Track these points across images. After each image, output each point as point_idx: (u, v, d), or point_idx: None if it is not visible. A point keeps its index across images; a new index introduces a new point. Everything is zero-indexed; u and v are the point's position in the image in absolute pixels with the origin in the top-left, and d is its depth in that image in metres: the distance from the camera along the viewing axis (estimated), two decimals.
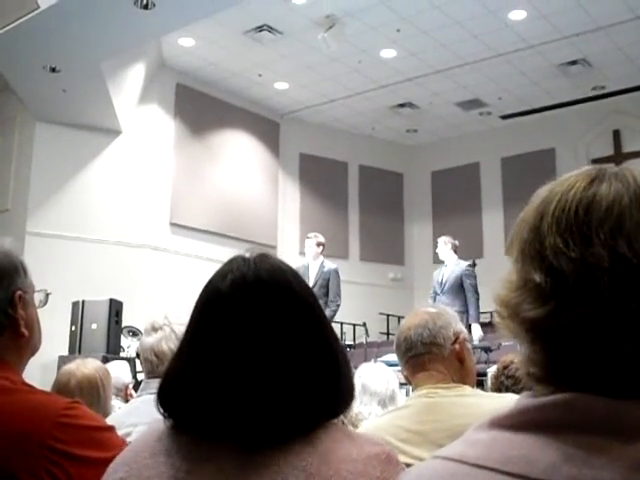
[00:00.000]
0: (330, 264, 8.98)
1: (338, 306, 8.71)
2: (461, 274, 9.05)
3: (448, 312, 2.47)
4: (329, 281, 8.73)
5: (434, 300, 9.09)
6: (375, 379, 4.00)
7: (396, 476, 1.13)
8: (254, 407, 1.14)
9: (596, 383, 0.76)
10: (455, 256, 9.34)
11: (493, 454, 0.77)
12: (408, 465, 1.14)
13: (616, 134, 13.27)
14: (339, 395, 1.22)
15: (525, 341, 0.82)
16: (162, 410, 1.23)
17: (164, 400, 1.23)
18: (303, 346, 1.18)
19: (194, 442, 1.19)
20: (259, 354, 1.16)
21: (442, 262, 9.52)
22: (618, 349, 0.75)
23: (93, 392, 3.04)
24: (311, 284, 8.53)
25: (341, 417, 3.07)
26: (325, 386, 1.18)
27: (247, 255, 1.25)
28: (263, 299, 1.20)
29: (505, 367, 3.49)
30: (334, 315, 8.62)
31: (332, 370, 1.21)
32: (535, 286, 0.80)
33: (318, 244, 8.86)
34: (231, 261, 1.26)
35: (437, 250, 9.59)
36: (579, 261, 0.77)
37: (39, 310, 1.77)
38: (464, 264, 9.22)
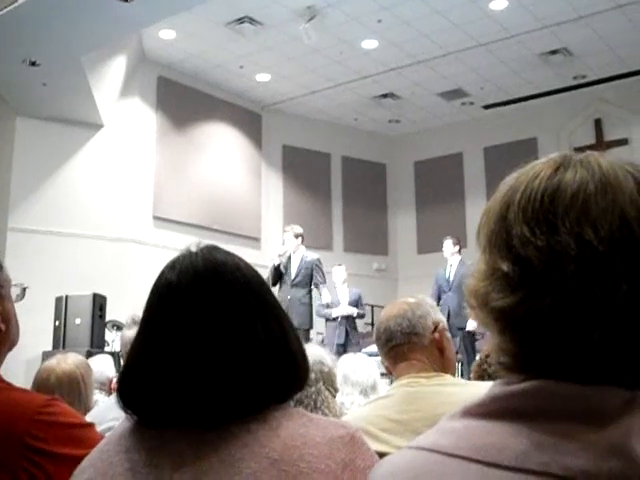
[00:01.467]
0: (312, 254, 9.05)
1: (324, 285, 8.94)
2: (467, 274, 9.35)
3: (427, 302, 2.48)
4: (312, 271, 8.78)
5: (437, 298, 9.27)
6: (356, 369, 4.02)
7: (362, 457, 1.14)
8: (204, 391, 1.15)
9: (566, 370, 0.76)
10: (459, 256, 9.64)
11: (465, 443, 0.77)
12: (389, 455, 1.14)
13: (597, 123, 13.33)
14: (288, 377, 1.23)
15: (495, 330, 0.82)
16: (122, 405, 1.23)
17: (124, 394, 1.24)
18: (245, 332, 1.19)
19: (156, 435, 1.19)
20: (204, 341, 1.17)
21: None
22: (586, 336, 0.75)
23: (74, 388, 3.02)
24: (293, 275, 8.57)
25: (324, 410, 3.06)
26: (272, 368, 1.20)
27: (194, 248, 1.28)
28: (208, 288, 1.21)
29: (487, 355, 3.50)
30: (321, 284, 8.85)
31: (278, 354, 1.21)
32: (503, 275, 0.80)
33: (296, 235, 8.96)
34: (181, 254, 1.28)
35: (443, 249, 9.81)
36: (546, 249, 0.77)
37: (21, 305, 1.76)
38: (469, 264, 9.39)
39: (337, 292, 9.69)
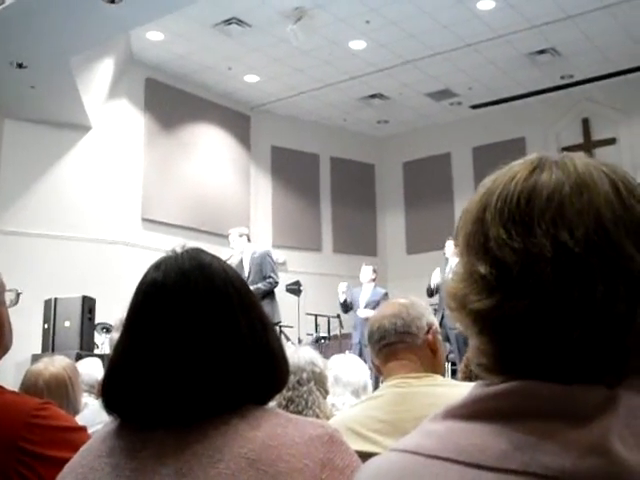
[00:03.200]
0: (260, 248, 9.08)
1: (272, 283, 8.64)
2: None
3: (421, 303, 2.49)
4: (262, 265, 8.73)
5: (431, 296, 9.39)
6: (347, 370, 4.02)
7: (340, 456, 1.15)
8: (188, 388, 1.17)
9: (545, 371, 0.77)
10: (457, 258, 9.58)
11: (447, 444, 0.77)
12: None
13: (585, 122, 13.37)
14: (268, 376, 1.24)
15: (473, 332, 0.82)
16: (105, 405, 1.24)
17: (108, 395, 1.25)
18: (229, 331, 1.21)
19: (138, 437, 1.20)
20: (188, 339, 1.19)
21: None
22: (565, 337, 0.76)
23: (61, 391, 3.02)
24: (246, 274, 8.51)
25: (315, 410, 3.06)
26: (254, 367, 1.21)
27: (179, 249, 1.30)
28: (193, 288, 1.23)
29: None
30: (269, 289, 8.56)
31: (260, 353, 1.23)
32: (480, 278, 0.80)
33: (240, 235, 8.97)
34: (166, 255, 1.30)
35: (445, 249, 9.81)
36: (522, 252, 0.77)
37: (10, 309, 1.76)
38: None
39: (360, 291, 10.01)
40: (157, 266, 1.28)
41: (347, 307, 10.10)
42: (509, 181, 0.83)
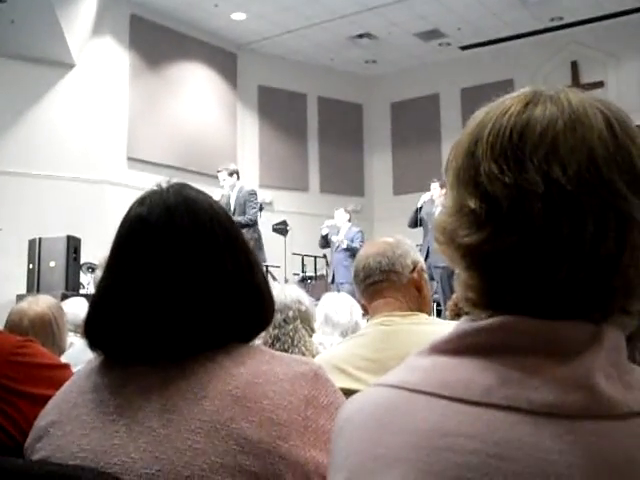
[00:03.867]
0: (246, 187, 9.05)
1: (251, 220, 8.66)
2: None
3: (407, 242, 2.49)
4: (245, 204, 8.75)
5: (414, 224, 9.81)
6: (338, 309, 4.00)
7: (325, 393, 1.16)
8: (172, 323, 1.16)
9: (532, 306, 0.77)
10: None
11: (432, 379, 0.78)
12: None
13: (574, 65, 13.31)
14: (253, 312, 1.24)
15: (461, 267, 0.82)
16: (89, 342, 1.23)
17: (91, 331, 1.24)
18: (214, 265, 1.21)
19: (122, 372, 1.20)
20: (173, 273, 1.19)
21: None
22: (552, 273, 0.76)
23: (46, 329, 3.01)
24: (232, 211, 8.50)
25: (301, 348, 3.08)
26: (239, 302, 1.21)
27: (164, 185, 1.28)
28: (178, 222, 1.22)
29: None
30: (246, 225, 8.52)
31: (245, 289, 1.23)
32: (470, 212, 0.80)
33: (231, 173, 9.00)
34: (151, 190, 1.29)
35: (431, 191, 9.93)
36: (513, 187, 0.77)
37: None
38: None
39: (337, 233, 10.47)
40: (141, 201, 1.26)
41: (326, 242, 10.60)
42: (502, 115, 0.82)
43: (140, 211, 1.24)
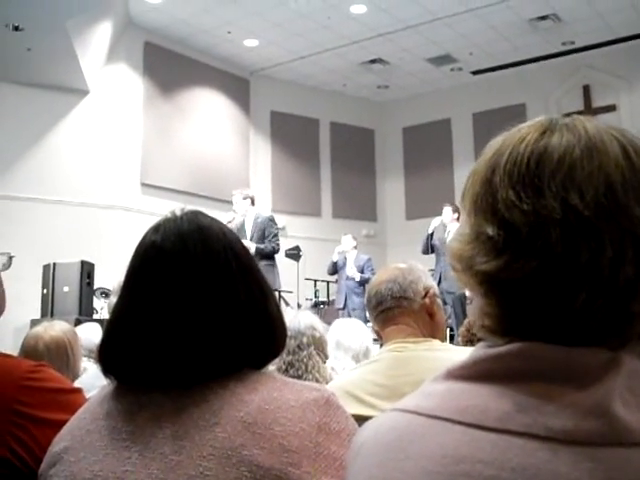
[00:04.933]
0: (264, 213, 9.08)
1: (274, 247, 8.70)
2: None
3: (419, 267, 2.49)
4: (265, 231, 8.75)
5: (426, 250, 9.82)
6: (349, 334, 4.02)
7: (336, 419, 1.15)
8: (185, 350, 1.17)
9: (549, 333, 0.77)
10: (457, 224, 9.81)
11: (448, 405, 0.78)
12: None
13: (586, 89, 13.32)
14: (266, 341, 1.24)
15: (478, 293, 0.82)
16: (103, 368, 1.24)
17: (105, 357, 1.24)
18: (227, 294, 1.21)
19: (135, 399, 1.20)
20: (186, 301, 1.19)
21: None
22: (570, 300, 0.75)
23: (61, 354, 3.02)
24: (248, 238, 8.49)
25: (315, 374, 3.07)
26: (251, 330, 1.21)
27: (178, 212, 1.29)
28: (192, 250, 1.22)
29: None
30: (270, 252, 8.61)
31: (258, 317, 1.23)
32: (488, 239, 0.80)
33: (245, 197, 8.94)
34: (165, 217, 1.30)
35: (442, 215, 9.97)
36: (531, 213, 0.77)
37: (8, 273, 1.75)
38: None
39: (345, 259, 10.54)
40: (156, 228, 1.27)
41: (335, 269, 10.67)
42: (519, 143, 0.82)
43: (154, 239, 1.25)
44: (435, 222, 9.86)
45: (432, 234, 9.86)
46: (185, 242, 1.23)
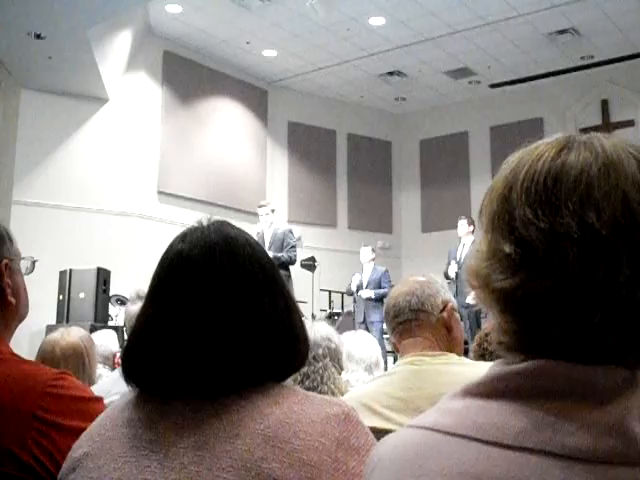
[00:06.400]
0: (283, 225, 9.19)
1: (292, 258, 8.87)
2: None
3: (437, 281, 2.49)
4: (283, 241, 8.91)
5: (449, 274, 9.62)
6: (359, 346, 4.03)
7: (356, 435, 1.15)
8: (208, 361, 1.17)
9: (566, 350, 0.77)
10: (472, 237, 9.82)
11: (465, 422, 0.78)
12: (391, 432, 1.15)
13: (604, 103, 13.26)
14: (289, 354, 1.24)
15: (496, 310, 0.83)
16: (125, 375, 1.24)
17: (128, 364, 1.25)
18: (252, 305, 1.21)
19: (156, 407, 1.20)
20: (211, 311, 1.19)
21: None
22: (587, 318, 0.76)
23: (78, 361, 3.04)
24: (267, 248, 8.59)
25: (330, 386, 3.07)
26: (275, 343, 1.21)
27: (205, 222, 1.29)
28: (219, 260, 1.22)
29: (487, 334, 3.50)
30: (286, 262, 8.76)
31: (282, 330, 1.23)
32: (505, 257, 0.80)
33: (272, 210, 9.21)
34: (192, 226, 1.30)
35: (458, 229, 10.00)
36: (548, 232, 0.77)
37: (26, 278, 1.77)
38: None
39: (362, 271, 10.52)
40: (182, 238, 1.27)
41: (351, 293, 10.72)
42: (536, 160, 0.82)
43: (181, 248, 1.25)
44: (452, 269, 9.70)
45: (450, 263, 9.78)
46: (212, 252, 1.23)
